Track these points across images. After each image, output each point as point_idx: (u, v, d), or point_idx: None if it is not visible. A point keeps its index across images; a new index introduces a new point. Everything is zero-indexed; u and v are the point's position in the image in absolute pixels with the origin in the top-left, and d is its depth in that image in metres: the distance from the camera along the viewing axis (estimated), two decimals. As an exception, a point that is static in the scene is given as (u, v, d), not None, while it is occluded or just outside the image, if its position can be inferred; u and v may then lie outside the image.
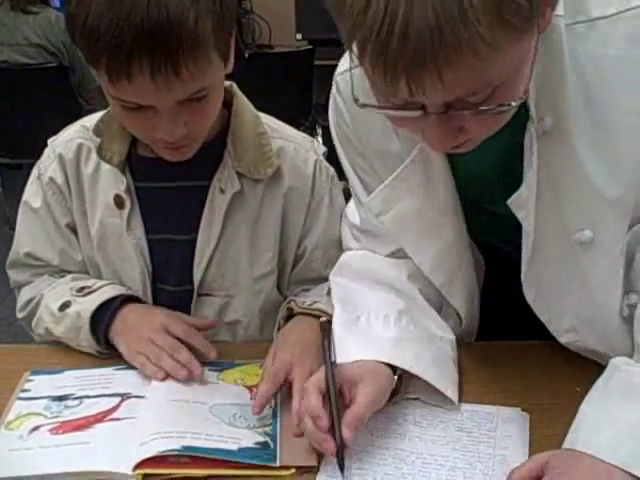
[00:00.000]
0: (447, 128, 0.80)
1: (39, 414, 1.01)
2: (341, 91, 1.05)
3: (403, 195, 1.02)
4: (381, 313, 1.07)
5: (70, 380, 1.09)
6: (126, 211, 1.15)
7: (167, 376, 1.05)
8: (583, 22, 0.86)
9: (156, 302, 1.20)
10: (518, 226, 0.97)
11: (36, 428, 0.98)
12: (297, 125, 1.16)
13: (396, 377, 1.00)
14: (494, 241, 1.14)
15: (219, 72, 1.02)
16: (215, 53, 0.97)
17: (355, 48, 0.73)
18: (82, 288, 1.16)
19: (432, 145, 0.84)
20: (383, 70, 0.72)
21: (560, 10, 0.83)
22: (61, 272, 1.23)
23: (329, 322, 1.04)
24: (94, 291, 1.15)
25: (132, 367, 1.09)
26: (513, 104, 0.78)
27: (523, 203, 0.94)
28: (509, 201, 0.94)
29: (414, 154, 0.99)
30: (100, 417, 1.00)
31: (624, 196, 0.89)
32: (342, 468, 0.90)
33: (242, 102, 1.17)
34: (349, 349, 1.02)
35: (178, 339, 1.09)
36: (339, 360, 1.00)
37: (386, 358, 0.99)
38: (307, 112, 3.80)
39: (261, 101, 1.24)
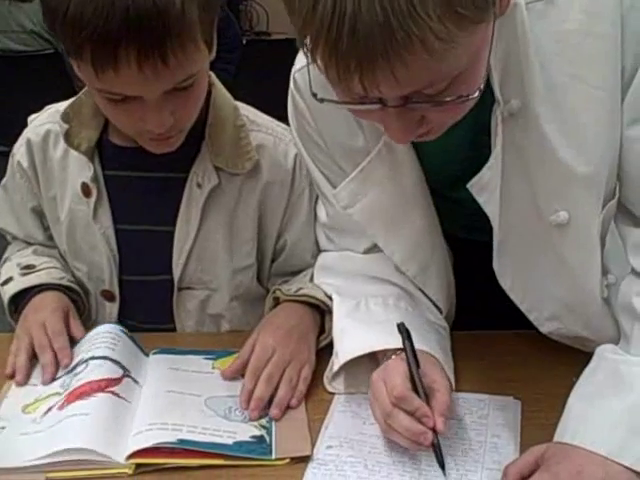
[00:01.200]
0: (407, 120, 0.79)
1: (56, 394, 1.02)
2: (300, 89, 1.03)
3: (370, 187, 1.01)
4: (379, 297, 1.06)
5: (80, 345, 1.11)
6: (92, 200, 1.14)
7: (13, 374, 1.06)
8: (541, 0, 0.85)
9: (128, 292, 1.20)
10: (481, 212, 0.95)
11: (49, 409, 0.99)
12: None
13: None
14: (459, 231, 1.12)
15: (205, 59, 1.01)
16: (201, 39, 0.96)
17: (307, 44, 0.72)
18: (27, 266, 1.19)
19: (394, 137, 0.83)
20: (335, 68, 0.71)
21: None
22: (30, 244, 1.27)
23: (403, 325, 0.97)
24: (37, 271, 1.18)
25: (135, 343, 1.12)
26: (474, 95, 0.77)
27: (485, 186, 0.92)
28: (469, 184, 0.92)
29: (380, 145, 0.98)
30: (103, 385, 1.00)
31: (594, 172, 0.89)
32: (441, 461, 0.89)
33: (221, 93, 1.15)
34: (365, 339, 1.00)
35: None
36: (345, 355, 1.00)
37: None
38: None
39: (257, 88, 1.23)
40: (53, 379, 1.06)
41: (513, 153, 0.90)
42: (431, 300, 1.10)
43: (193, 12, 0.92)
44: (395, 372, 0.93)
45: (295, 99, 1.05)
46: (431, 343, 1.01)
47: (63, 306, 1.15)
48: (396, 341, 0.96)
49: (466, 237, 1.14)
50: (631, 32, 0.83)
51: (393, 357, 0.96)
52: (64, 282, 1.18)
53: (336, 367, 1.02)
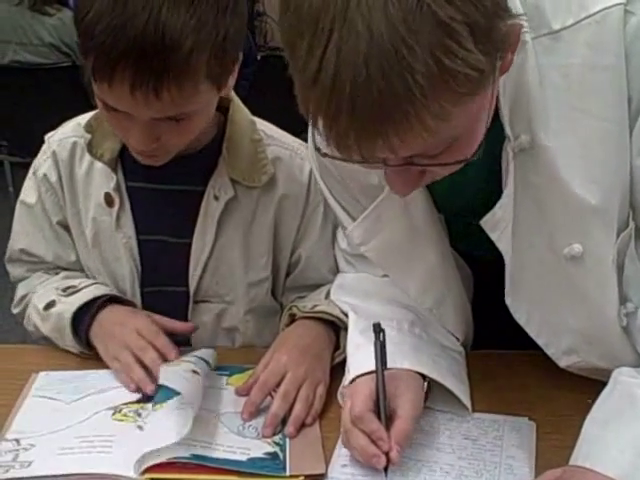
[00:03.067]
0: (408, 175, 0.81)
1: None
2: None
3: (383, 225, 1.01)
4: (394, 321, 1.06)
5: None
6: (115, 209, 1.15)
7: (137, 388, 1.05)
8: (547, 35, 0.85)
9: (147, 303, 1.20)
10: None
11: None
12: (307, 128, 1.15)
13: (426, 383, 1.00)
14: (473, 249, 1.11)
15: (208, 97, 1.01)
16: (206, 82, 0.96)
17: (308, 115, 0.73)
18: (67, 288, 1.17)
19: (396, 191, 0.84)
20: (335, 140, 0.72)
21: (525, 25, 0.82)
22: (55, 269, 1.24)
23: (379, 325, 1.00)
24: (78, 291, 1.16)
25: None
26: (469, 158, 0.78)
27: (497, 223, 0.92)
28: (482, 221, 0.93)
29: None
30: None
31: (607, 203, 0.88)
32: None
33: (238, 108, 1.16)
34: (370, 358, 1.00)
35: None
36: (356, 369, 1.00)
37: (408, 365, 0.99)
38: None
39: (271, 104, 1.23)
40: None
41: (525, 189, 0.90)
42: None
43: (202, 57, 0.93)
44: (359, 391, 0.95)
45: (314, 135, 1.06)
46: (441, 370, 1.01)
47: (143, 313, 1.14)
48: (406, 364, 0.98)
49: (480, 255, 1.13)
50: (636, 62, 0.83)
51: (365, 376, 0.97)
52: (115, 293, 1.17)
53: (346, 382, 1.02)
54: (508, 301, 0.99)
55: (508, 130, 0.87)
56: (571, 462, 0.85)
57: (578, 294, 0.94)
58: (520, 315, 1.00)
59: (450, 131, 0.73)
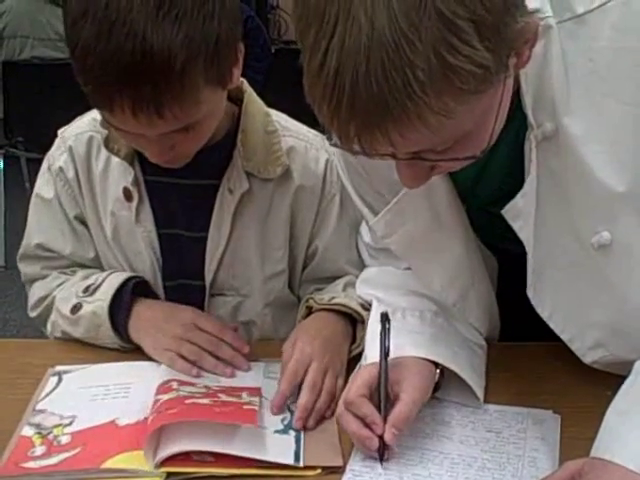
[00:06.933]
0: (418, 169, 0.80)
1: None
2: None
3: (407, 217, 1.00)
4: (416, 311, 1.06)
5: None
6: (134, 203, 1.14)
7: (199, 374, 1.05)
8: (571, 19, 0.84)
9: (165, 296, 1.19)
10: None
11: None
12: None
13: (438, 371, 0.99)
14: (495, 240, 1.10)
15: (213, 99, 0.99)
16: (207, 88, 0.95)
17: (314, 105, 0.73)
18: (87, 288, 1.15)
19: (406, 184, 0.84)
20: (337, 131, 0.73)
21: (548, 11, 0.82)
22: (71, 266, 1.22)
23: (386, 315, 1.00)
24: (99, 286, 1.15)
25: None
26: (479, 154, 0.77)
27: (519, 213, 0.91)
28: (504, 211, 0.92)
29: None
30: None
31: (634, 188, 0.86)
32: (381, 462, 0.91)
33: (252, 99, 1.15)
34: (394, 345, 0.99)
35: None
36: (372, 357, 0.99)
37: (424, 354, 0.98)
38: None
39: (285, 97, 1.22)
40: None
41: (548, 178, 0.89)
42: None
43: (196, 70, 0.91)
44: (359, 376, 0.95)
45: None
46: (459, 361, 1.00)
47: (181, 307, 1.14)
48: (422, 352, 0.97)
49: (503, 247, 1.12)
50: None
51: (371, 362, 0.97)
52: (137, 275, 1.16)
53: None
54: (530, 294, 0.97)
55: (531, 118, 0.86)
56: (592, 453, 0.83)
57: (606, 285, 0.92)
58: (543, 309, 0.98)
59: (456, 128, 0.72)
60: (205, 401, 0.98)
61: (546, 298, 0.98)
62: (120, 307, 1.12)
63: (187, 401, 0.98)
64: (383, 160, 0.78)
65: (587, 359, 1.00)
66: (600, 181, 0.86)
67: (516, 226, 0.92)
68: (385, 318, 0.98)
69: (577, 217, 0.90)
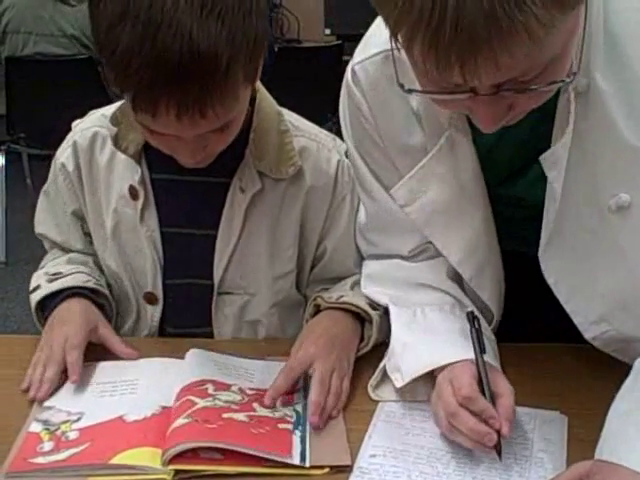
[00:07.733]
0: (497, 107, 0.79)
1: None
2: (359, 82, 1.01)
3: (430, 185, 0.99)
4: (435, 306, 1.05)
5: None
6: (140, 202, 1.14)
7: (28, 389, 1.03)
8: None
9: (169, 296, 1.19)
10: (528, 218, 0.94)
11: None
12: (324, 120, 1.14)
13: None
14: (502, 241, 1.09)
15: (246, 96, 1.00)
16: (244, 85, 0.95)
17: (402, 37, 0.72)
18: (55, 274, 1.17)
19: (483, 125, 0.82)
20: (435, 60, 0.71)
21: None
22: (68, 250, 1.25)
23: (472, 313, 1.01)
24: (57, 279, 1.16)
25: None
26: (565, 80, 0.77)
27: (556, 162, 0.90)
28: (542, 157, 0.91)
29: (442, 142, 0.97)
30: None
31: None
32: (500, 457, 0.91)
33: (265, 98, 1.15)
34: (429, 355, 1.00)
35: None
36: (410, 372, 0.99)
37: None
38: (334, 108, 3.78)
39: (288, 96, 1.22)
40: (44, 398, 1.02)
41: (575, 135, 0.89)
42: (481, 307, 1.08)
43: (238, 67, 0.91)
44: (463, 373, 0.94)
45: (351, 92, 1.04)
46: (489, 351, 1.00)
47: (90, 320, 1.11)
48: (457, 353, 0.97)
49: (509, 249, 1.11)
50: None
51: (460, 362, 0.96)
52: (90, 285, 1.16)
53: (399, 384, 1.00)
54: (541, 258, 0.97)
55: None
56: (596, 455, 0.83)
57: (618, 251, 0.92)
58: (550, 274, 0.98)
59: (550, 47, 0.72)
60: (241, 417, 0.97)
61: (555, 264, 0.97)
62: (54, 299, 1.13)
63: (225, 415, 0.96)
64: (460, 100, 0.78)
65: (588, 335, 1.00)
66: (626, 141, 0.86)
67: (551, 176, 0.92)
68: (472, 316, 0.98)
69: (599, 178, 0.90)
